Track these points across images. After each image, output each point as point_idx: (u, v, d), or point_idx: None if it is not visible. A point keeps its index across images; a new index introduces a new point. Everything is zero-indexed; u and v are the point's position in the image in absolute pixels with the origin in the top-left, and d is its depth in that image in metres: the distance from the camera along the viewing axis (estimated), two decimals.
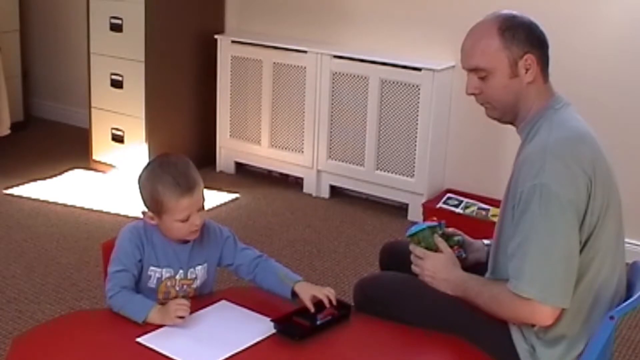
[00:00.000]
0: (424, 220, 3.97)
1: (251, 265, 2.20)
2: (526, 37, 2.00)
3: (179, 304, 2.01)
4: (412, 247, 2.18)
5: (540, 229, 1.87)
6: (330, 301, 2.09)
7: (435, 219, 2.27)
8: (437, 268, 2.12)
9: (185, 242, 2.15)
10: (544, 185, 1.86)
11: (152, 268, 2.13)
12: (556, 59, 3.88)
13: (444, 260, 2.14)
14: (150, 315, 2.01)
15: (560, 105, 2.03)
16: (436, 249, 2.18)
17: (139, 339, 1.94)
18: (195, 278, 2.18)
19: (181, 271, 2.15)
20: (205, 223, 2.20)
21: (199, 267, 2.17)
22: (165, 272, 2.14)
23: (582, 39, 3.81)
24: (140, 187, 2.13)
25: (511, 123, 2.11)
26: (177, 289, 2.16)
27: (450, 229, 2.28)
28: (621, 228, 2.04)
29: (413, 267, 2.16)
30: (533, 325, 1.96)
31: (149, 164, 2.18)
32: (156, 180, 2.08)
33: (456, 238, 2.26)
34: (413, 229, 2.23)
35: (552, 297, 1.88)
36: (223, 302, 2.14)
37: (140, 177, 2.14)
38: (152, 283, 2.14)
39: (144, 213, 2.13)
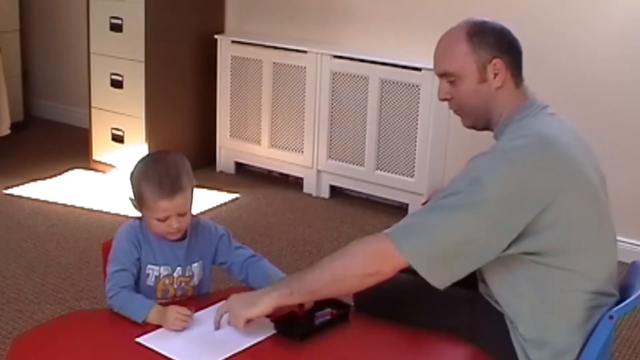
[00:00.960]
0: None
1: (243, 265, 2.20)
2: (495, 42, 2.00)
3: (179, 313, 2.00)
4: (216, 317, 2.01)
5: (445, 204, 1.85)
6: (330, 301, 2.10)
7: None
8: (239, 296, 2.00)
9: (182, 239, 2.16)
10: (478, 177, 1.84)
11: (149, 266, 2.13)
12: (557, 59, 3.89)
13: (239, 294, 2.03)
14: (149, 315, 2.01)
15: (530, 110, 2.00)
16: None
17: (138, 339, 1.94)
18: (193, 275, 2.18)
19: (179, 268, 2.16)
20: (200, 221, 2.22)
21: (195, 265, 2.18)
22: (163, 270, 2.14)
23: (582, 39, 3.80)
24: (130, 175, 2.15)
25: (487, 129, 2.10)
26: (176, 286, 2.16)
27: None
28: (607, 229, 1.99)
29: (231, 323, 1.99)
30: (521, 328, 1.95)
31: (146, 155, 2.21)
32: (144, 174, 2.10)
33: None
34: None
35: (408, 246, 1.84)
36: (223, 302, 2.14)
37: (135, 165, 2.16)
38: (150, 281, 2.14)
39: (131, 199, 2.16)
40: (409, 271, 2.09)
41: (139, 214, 2.17)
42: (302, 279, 1.95)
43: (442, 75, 2.06)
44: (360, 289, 1.95)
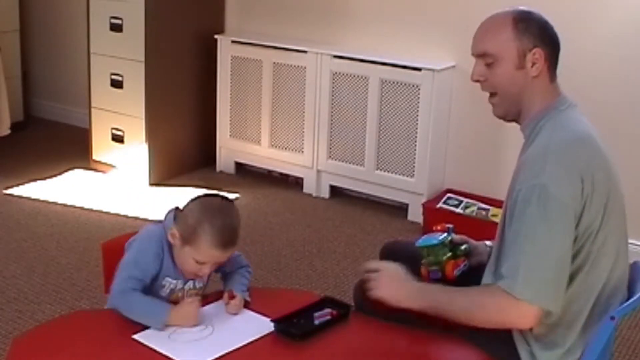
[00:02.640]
0: (425, 223, 4.00)
1: (230, 273, 2.23)
2: (538, 32, 2.02)
3: (194, 309, 2.01)
4: (368, 265, 2.12)
5: (537, 229, 1.87)
6: (330, 301, 2.12)
7: (440, 227, 2.27)
8: (395, 278, 2.07)
9: None
10: (543, 186, 1.86)
11: (167, 279, 2.13)
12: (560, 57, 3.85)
13: (399, 271, 2.09)
14: (170, 317, 1.99)
15: (565, 106, 2.04)
16: (444, 265, 2.18)
17: (137, 337, 1.93)
18: (202, 285, 2.20)
19: (190, 282, 2.16)
20: None
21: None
22: (179, 284, 2.14)
23: (585, 37, 3.80)
24: (188, 209, 2.09)
25: (516, 121, 2.10)
26: (186, 296, 2.15)
27: (458, 236, 2.27)
28: (624, 231, 2.03)
29: (371, 284, 2.07)
30: (531, 329, 1.96)
31: (211, 195, 2.16)
32: (209, 216, 2.05)
33: (463, 247, 2.25)
34: (423, 242, 2.22)
35: (543, 300, 1.88)
36: (221, 301, 2.15)
37: (195, 200, 2.11)
38: (164, 292, 2.13)
39: (171, 229, 2.08)
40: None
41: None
42: (442, 307, 1.97)
43: (480, 55, 2.06)
44: None
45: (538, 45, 2.01)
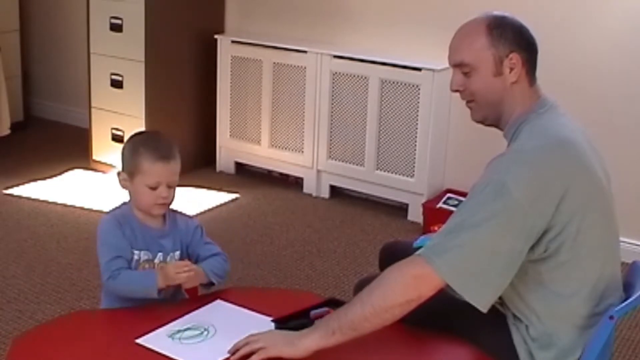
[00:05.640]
0: (425, 223, 4.01)
1: (205, 260, 2.26)
2: (514, 37, 2.00)
3: (178, 267, 2.09)
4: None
5: (473, 215, 1.82)
6: (334, 302, 2.12)
7: (439, 227, 2.27)
8: (275, 334, 1.92)
9: (162, 227, 2.23)
10: (502, 182, 1.83)
11: (131, 249, 2.18)
12: (560, 56, 3.87)
13: (275, 331, 1.94)
14: (158, 282, 2.07)
15: (545, 110, 2.01)
16: None
17: (138, 340, 1.94)
18: (174, 260, 2.23)
19: (160, 254, 2.20)
20: (177, 212, 2.30)
21: (177, 253, 2.24)
22: (143, 255, 2.18)
23: (585, 34, 3.80)
24: (124, 147, 2.24)
25: (495, 126, 2.10)
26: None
27: None
28: (612, 229, 2.01)
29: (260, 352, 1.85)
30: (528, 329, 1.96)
31: (138, 132, 2.36)
32: (141, 142, 2.21)
33: None
34: (420, 242, 2.22)
35: (444, 266, 1.81)
36: (218, 301, 2.15)
37: (128, 140, 2.27)
38: (132, 265, 2.17)
39: (119, 174, 2.22)
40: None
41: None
42: (342, 317, 1.86)
43: (456, 65, 2.05)
44: (403, 316, 1.87)
45: (515, 51, 1.99)
